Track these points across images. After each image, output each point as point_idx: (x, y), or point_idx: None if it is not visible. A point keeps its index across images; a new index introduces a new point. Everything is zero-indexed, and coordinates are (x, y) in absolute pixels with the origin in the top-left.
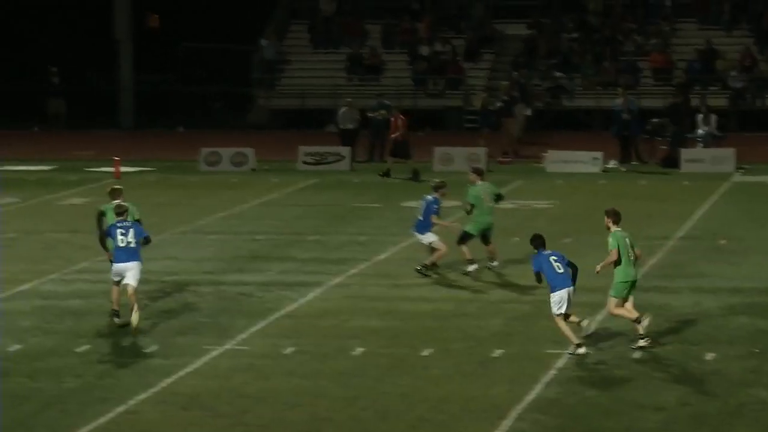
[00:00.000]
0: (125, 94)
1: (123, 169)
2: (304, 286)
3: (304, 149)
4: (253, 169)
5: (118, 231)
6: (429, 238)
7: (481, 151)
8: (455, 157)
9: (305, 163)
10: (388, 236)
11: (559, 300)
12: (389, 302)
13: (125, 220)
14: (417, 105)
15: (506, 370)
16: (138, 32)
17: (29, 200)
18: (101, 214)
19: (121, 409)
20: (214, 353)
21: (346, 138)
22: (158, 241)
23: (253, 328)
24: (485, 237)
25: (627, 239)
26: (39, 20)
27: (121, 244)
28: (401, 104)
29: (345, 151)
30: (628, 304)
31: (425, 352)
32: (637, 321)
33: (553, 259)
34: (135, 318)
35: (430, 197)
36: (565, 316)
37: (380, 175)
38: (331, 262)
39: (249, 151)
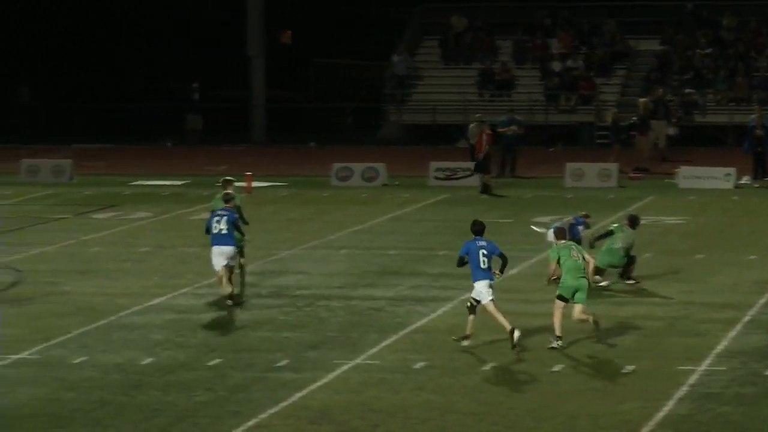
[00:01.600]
0: (257, 110)
1: (255, 184)
2: (435, 301)
3: (434, 164)
4: (384, 185)
5: (215, 219)
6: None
7: (612, 167)
8: (586, 173)
9: (436, 178)
10: (519, 252)
11: (482, 289)
12: (519, 317)
13: (226, 208)
14: (548, 120)
15: (637, 386)
16: (271, 48)
17: (162, 215)
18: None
19: (251, 423)
20: (345, 368)
21: None
22: (289, 256)
23: (384, 343)
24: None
25: (572, 248)
26: (179, 38)
27: (215, 231)
28: (532, 120)
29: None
30: (577, 309)
31: (555, 368)
32: (595, 322)
33: (483, 252)
34: (232, 288)
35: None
36: (473, 308)
37: (482, 192)
38: (462, 277)
39: (380, 167)
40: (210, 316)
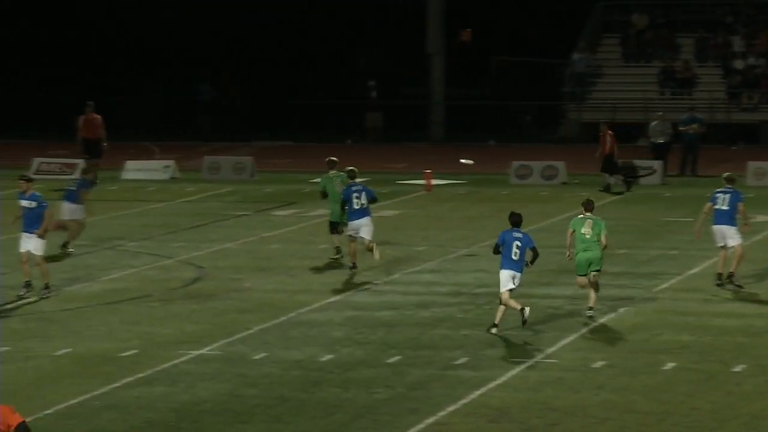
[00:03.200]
0: (437, 108)
1: (434, 181)
2: (614, 300)
3: None
4: (564, 183)
5: (353, 194)
6: (735, 239)
7: None
8: None
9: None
10: (700, 251)
11: (503, 279)
12: (700, 317)
13: (356, 183)
14: (730, 119)
15: None
16: (450, 47)
17: None
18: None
19: (430, 420)
20: (524, 366)
21: (658, 152)
22: (468, 254)
23: (563, 342)
24: None
25: (586, 222)
26: (358, 36)
27: (356, 206)
28: (714, 118)
29: (656, 164)
30: (590, 276)
31: (737, 368)
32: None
33: (517, 244)
34: (377, 253)
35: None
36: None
37: (600, 190)
38: (642, 276)
39: (560, 165)
40: (389, 313)
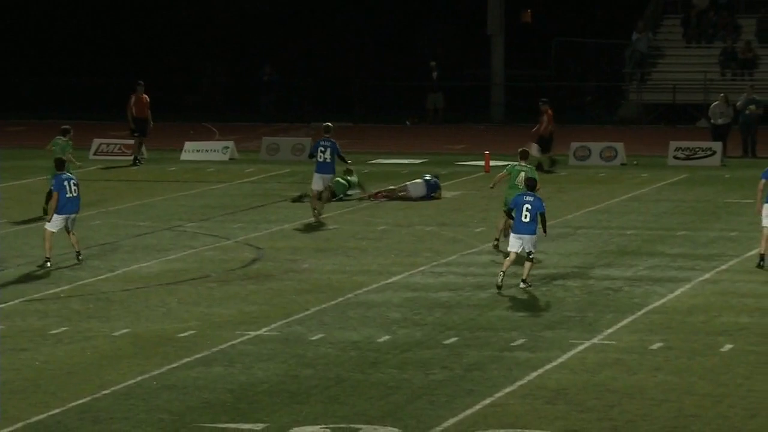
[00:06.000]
0: (496, 89)
1: (492, 162)
2: (673, 282)
3: (674, 144)
4: (623, 164)
5: (320, 148)
6: None
7: None
8: None
9: (675, 158)
10: (760, 232)
11: (510, 241)
12: (759, 299)
13: (327, 139)
14: None
15: None
16: (511, 27)
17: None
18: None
19: (487, 401)
20: (581, 347)
21: (718, 133)
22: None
23: (621, 323)
24: None
25: (522, 172)
26: (419, 17)
27: (320, 159)
28: None
29: (716, 146)
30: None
31: None
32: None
33: (527, 207)
34: (322, 205)
35: None
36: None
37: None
38: (701, 257)
39: (619, 146)
40: (447, 294)
